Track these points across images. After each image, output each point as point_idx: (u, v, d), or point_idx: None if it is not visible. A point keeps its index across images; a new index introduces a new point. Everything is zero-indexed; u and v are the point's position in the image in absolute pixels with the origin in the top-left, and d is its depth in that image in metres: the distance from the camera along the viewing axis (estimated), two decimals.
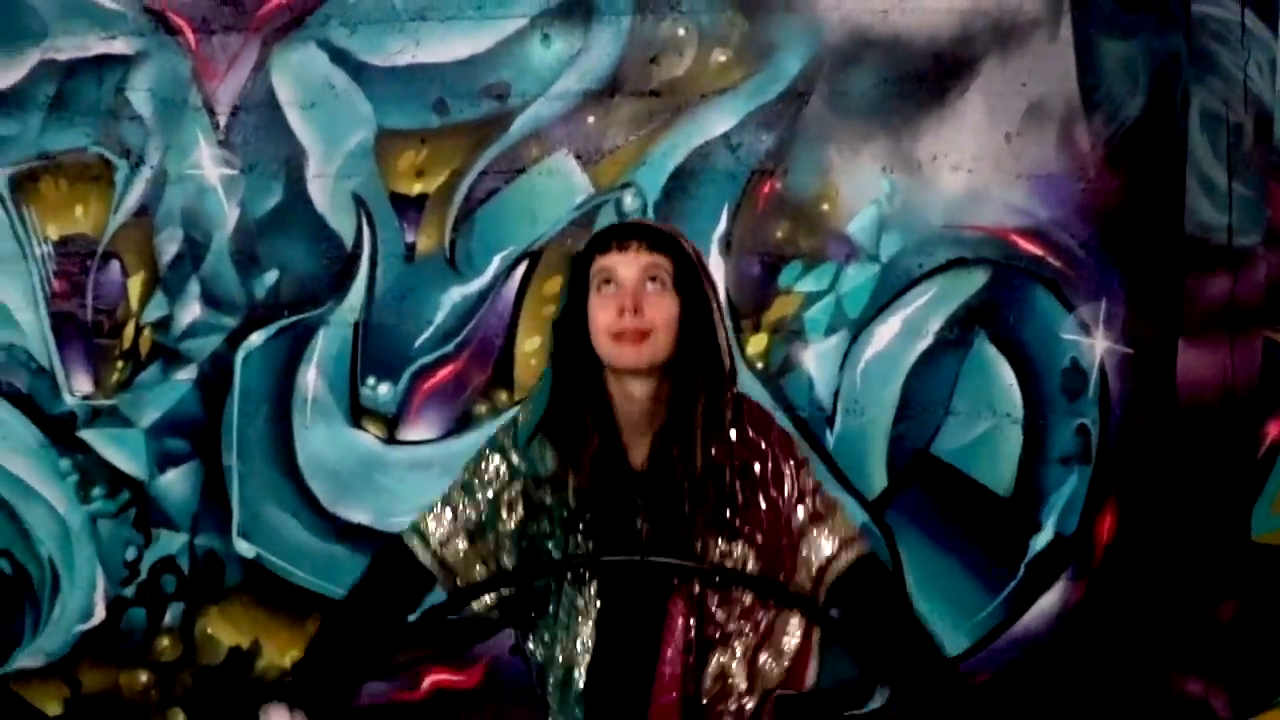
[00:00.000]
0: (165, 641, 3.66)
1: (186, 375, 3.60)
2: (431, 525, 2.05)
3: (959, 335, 3.39)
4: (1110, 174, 3.33)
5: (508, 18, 3.44)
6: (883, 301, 3.41)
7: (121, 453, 3.63)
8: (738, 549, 1.96)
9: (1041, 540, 3.43)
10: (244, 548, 3.61)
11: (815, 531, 2.00)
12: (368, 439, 3.57)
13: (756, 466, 2.00)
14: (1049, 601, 3.43)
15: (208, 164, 3.56)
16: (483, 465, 2.05)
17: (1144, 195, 3.32)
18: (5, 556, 3.68)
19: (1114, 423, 3.38)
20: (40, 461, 3.65)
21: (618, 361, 1.94)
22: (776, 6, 3.38)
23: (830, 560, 1.99)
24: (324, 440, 3.58)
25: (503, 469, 2.03)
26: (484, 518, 2.02)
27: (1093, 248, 3.35)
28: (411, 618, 2.08)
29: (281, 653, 3.64)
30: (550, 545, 1.98)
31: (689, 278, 1.98)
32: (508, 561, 2.02)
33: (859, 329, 3.42)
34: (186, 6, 3.53)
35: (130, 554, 3.65)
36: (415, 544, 2.04)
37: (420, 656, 3.57)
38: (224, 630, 3.65)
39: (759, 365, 3.44)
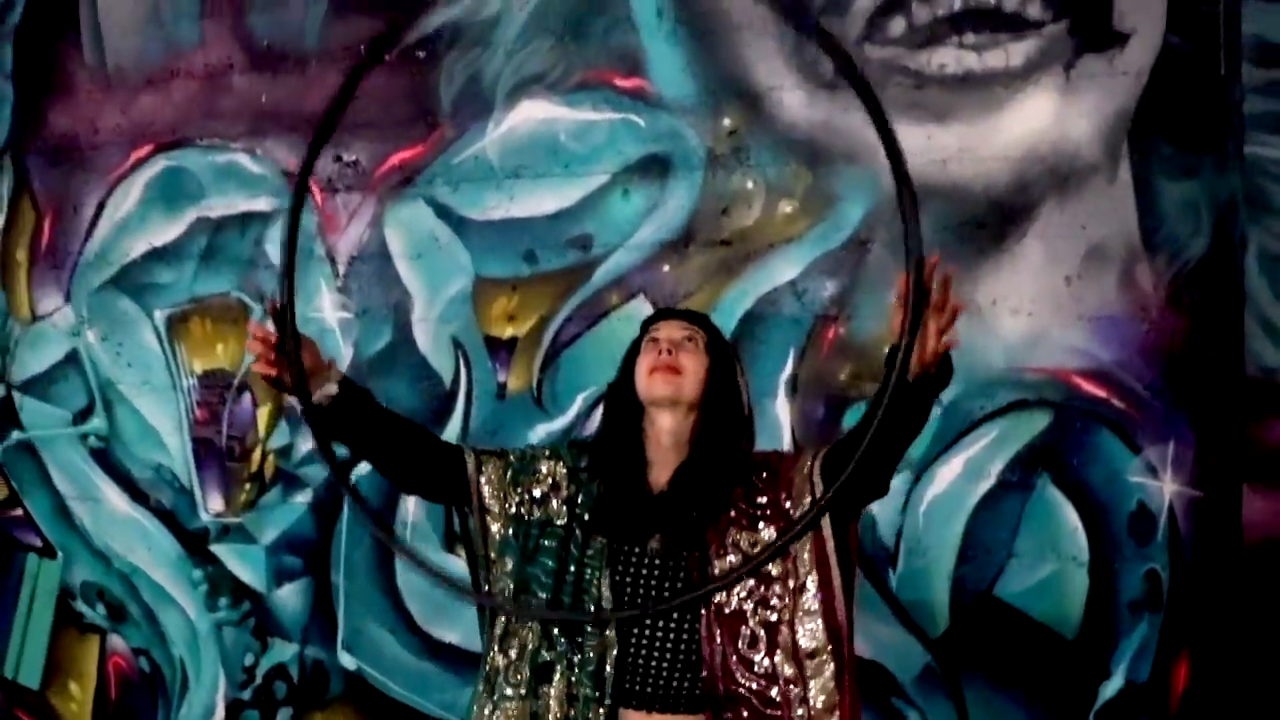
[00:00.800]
0: None
1: (303, 499, 3.96)
2: (485, 447, 2.40)
3: (1021, 477, 3.36)
4: (1174, 315, 3.27)
5: (591, 174, 3.72)
6: (944, 443, 3.42)
7: (245, 566, 4.01)
8: (760, 533, 2.24)
9: (1111, 688, 3.32)
10: (347, 660, 3.89)
11: (799, 464, 2.28)
12: (459, 563, 3.75)
13: (765, 473, 2.29)
14: None
15: (328, 308, 3.95)
16: (538, 446, 2.45)
17: (1208, 336, 3.25)
18: (144, 655, 4.10)
19: (1185, 568, 3.27)
20: (177, 571, 4.08)
21: (651, 390, 2.26)
22: (839, 158, 3.50)
23: (810, 464, 2.26)
24: None
25: (552, 453, 2.37)
26: (523, 470, 2.34)
27: (1158, 389, 3.28)
28: None
29: None
30: (562, 533, 2.27)
31: (720, 349, 2.37)
32: (517, 511, 2.30)
33: (921, 470, 3.44)
34: (316, 169, 3.97)
35: (248, 660, 4.00)
36: (467, 450, 2.37)
37: None
38: None
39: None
